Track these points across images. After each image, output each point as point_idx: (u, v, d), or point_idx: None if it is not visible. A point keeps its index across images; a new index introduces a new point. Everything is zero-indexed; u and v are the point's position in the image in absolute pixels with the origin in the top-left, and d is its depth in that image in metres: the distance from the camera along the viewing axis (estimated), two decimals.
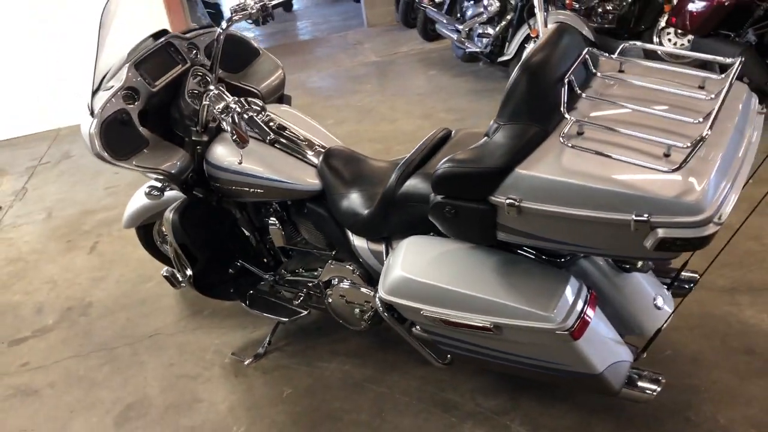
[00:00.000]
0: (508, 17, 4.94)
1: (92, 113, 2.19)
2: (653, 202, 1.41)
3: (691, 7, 3.91)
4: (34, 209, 4.24)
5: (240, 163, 2.19)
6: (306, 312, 2.44)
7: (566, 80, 1.57)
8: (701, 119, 1.47)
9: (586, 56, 1.68)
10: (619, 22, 5.04)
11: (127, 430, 2.30)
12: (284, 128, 2.29)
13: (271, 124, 2.26)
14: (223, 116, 2.11)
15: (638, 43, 1.84)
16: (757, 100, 1.71)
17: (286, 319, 2.47)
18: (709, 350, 2.22)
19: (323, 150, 2.26)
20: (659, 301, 1.90)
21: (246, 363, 2.50)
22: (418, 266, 1.86)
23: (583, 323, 1.66)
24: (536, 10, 4.48)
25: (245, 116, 2.16)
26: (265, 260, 2.57)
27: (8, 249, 3.78)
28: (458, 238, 1.78)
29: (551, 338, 1.67)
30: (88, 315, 3.00)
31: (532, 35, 4.57)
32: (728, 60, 1.64)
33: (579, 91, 1.61)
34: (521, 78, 1.60)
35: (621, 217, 1.44)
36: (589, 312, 1.68)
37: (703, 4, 3.84)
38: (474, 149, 1.65)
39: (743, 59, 1.63)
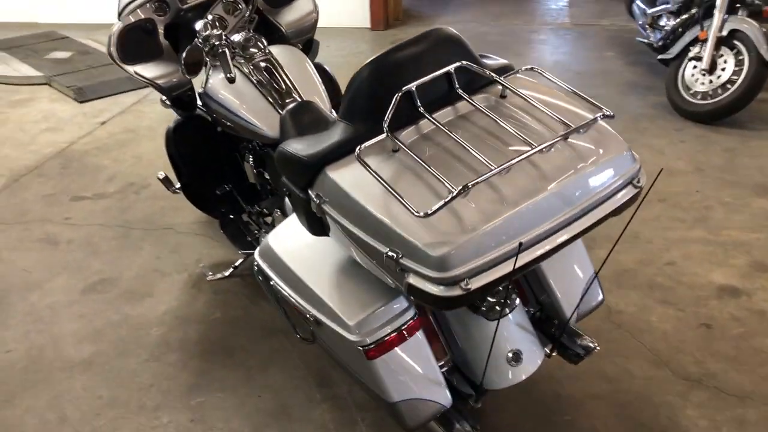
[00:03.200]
0: (692, 11, 4.32)
1: (119, 16, 2.41)
2: (404, 243, 1.29)
3: None
4: None
5: (203, 89, 2.30)
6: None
7: (402, 91, 1.43)
8: (497, 168, 1.27)
9: (451, 71, 1.49)
10: None
11: (87, 298, 2.63)
12: (271, 72, 2.32)
13: (263, 64, 2.31)
14: (196, 41, 2.22)
15: (537, 68, 1.58)
16: (639, 170, 1.41)
17: (240, 251, 2.59)
18: None
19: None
20: (519, 358, 1.70)
21: (208, 278, 2.69)
22: (284, 238, 1.85)
23: (383, 346, 1.57)
24: (716, 11, 3.90)
25: (219, 50, 2.26)
26: (258, 192, 2.69)
27: (133, 120, 4.31)
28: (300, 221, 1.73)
29: (351, 349, 1.61)
30: (139, 194, 3.38)
31: (699, 38, 3.98)
32: (595, 105, 1.38)
33: (420, 108, 1.45)
34: (362, 75, 1.48)
35: (379, 248, 1.34)
36: (401, 338, 1.58)
37: None
38: (311, 137, 1.59)
39: (606, 115, 1.36)
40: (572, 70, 4.93)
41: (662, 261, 2.66)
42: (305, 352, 2.29)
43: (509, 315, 1.68)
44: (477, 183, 1.25)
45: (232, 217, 2.70)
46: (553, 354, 1.81)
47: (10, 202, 3.35)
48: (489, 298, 1.64)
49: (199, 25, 2.32)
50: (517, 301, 1.69)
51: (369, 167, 1.35)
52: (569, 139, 1.39)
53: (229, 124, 2.33)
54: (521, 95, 1.46)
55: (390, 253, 1.31)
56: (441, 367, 1.73)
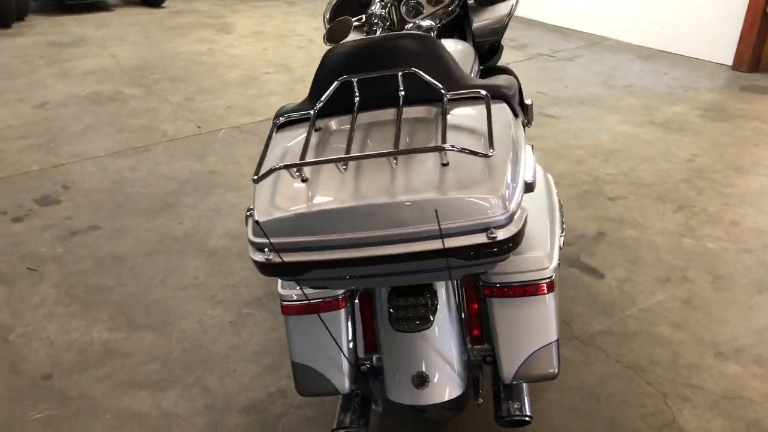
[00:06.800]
0: None
1: None
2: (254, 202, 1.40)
3: None
4: None
5: None
6: None
7: (340, 80, 1.47)
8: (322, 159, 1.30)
9: (398, 75, 1.46)
10: None
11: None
12: None
13: None
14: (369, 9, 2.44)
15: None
16: (503, 222, 1.24)
17: None
18: None
19: None
20: (424, 382, 1.62)
21: None
22: None
23: (296, 308, 1.67)
24: None
25: (373, 27, 2.46)
26: None
27: None
28: None
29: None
30: None
31: None
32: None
33: (356, 99, 1.48)
34: (326, 56, 1.56)
35: None
36: (315, 308, 1.66)
37: None
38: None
39: (477, 152, 1.22)
40: None
41: None
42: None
43: (422, 334, 1.60)
44: (302, 165, 1.29)
45: None
46: (479, 401, 1.68)
47: None
48: (402, 310, 1.59)
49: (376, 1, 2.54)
50: (435, 322, 1.60)
51: (271, 135, 1.47)
52: (449, 165, 1.30)
53: None
54: (444, 113, 1.39)
55: (250, 209, 1.42)
56: (365, 359, 1.74)
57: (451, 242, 1.24)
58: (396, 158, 1.30)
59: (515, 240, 1.26)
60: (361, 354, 1.73)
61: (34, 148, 3.71)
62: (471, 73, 2.36)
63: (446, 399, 1.61)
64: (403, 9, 2.49)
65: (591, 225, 2.96)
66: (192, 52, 5.36)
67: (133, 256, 2.76)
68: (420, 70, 1.46)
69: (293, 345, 1.69)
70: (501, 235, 1.24)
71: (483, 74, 2.51)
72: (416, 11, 2.48)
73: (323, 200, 1.30)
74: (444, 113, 1.39)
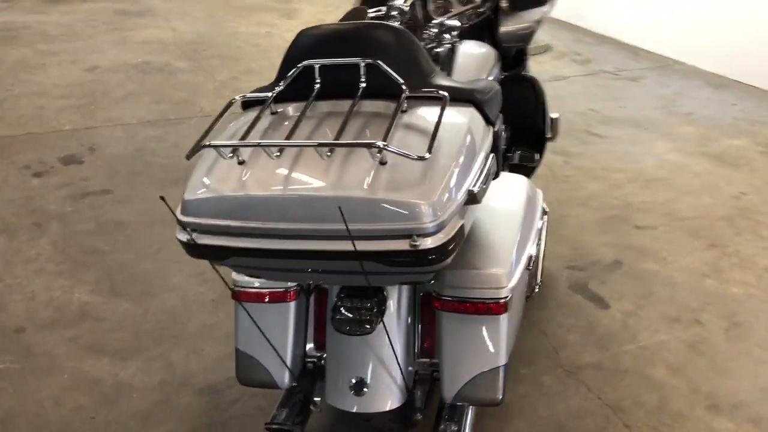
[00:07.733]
0: None
1: None
2: None
3: None
4: None
5: None
6: None
7: (301, 66, 1.41)
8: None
9: (361, 65, 1.38)
10: None
11: None
12: (438, 59, 2.34)
13: (439, 50, 2.35)
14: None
15: None
16: (430, 230, 1.14)
17: None
18: None
19: None
20: (361, 389, 1.54)
21: None
22: None
23: (245, 295, 1.62)
24: None
25: (390, 20, 2.38)
26: None
27: None
28: None
29: None
30: None
31: None
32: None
33: (317, 85, 1.41)
34: (295, 39, 1.50)
35: None
36: (269, 298, 1.60)
37: None
38: None
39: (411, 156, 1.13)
40: None
41: None
42: None
43: (365, 338, 1.52)
44: (228, 146, 1.23)
45: None
46: (418, 416, 1.59)
47: None
48: (345, 311, 1.51)
49: None
50: (379, 328, 1.51)
51: (222, 114, 1.41)
52: (388, 165, 1.21)
53: None
54: (396, 110, 1.30)
55: None
56: (314, 357, 1.68)
57: (368, 245, 1.15)
58: (330, 151, 1.21)
59: (442, 251, 1.17)
60: (311, 351, 1.67)
61: (72, 108, 3.81)
62: (489, 78, 2.25)
63: (386, 409, 1.53)
64: (431, 6, 2.40)
65: (609, 252, 2.80)
66: (250, 34, 5.40)
67: (135, 224, 2.77)
68: (388, 63, 1.38)
69: (239, 332, 1.65)
70: (426, 243, 1.14)
71: (506, 81, 2.39)
72: (444, 9, 2.39)
73: (249, 185, 1.24)
74: (397, 110, 1.30)
